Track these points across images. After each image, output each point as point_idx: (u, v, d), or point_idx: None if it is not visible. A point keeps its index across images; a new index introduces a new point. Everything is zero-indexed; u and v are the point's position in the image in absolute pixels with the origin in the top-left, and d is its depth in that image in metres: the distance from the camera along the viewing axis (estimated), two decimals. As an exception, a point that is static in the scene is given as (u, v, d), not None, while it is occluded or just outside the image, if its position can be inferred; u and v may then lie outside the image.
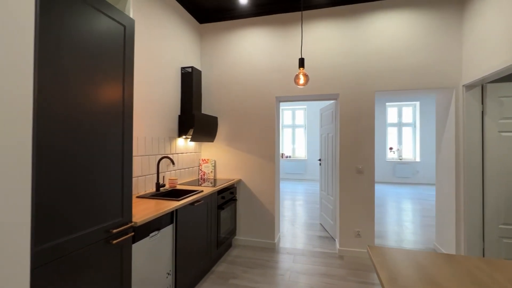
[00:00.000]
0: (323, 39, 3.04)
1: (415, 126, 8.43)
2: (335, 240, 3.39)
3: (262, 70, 3.24)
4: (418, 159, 8.28)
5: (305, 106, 9.18)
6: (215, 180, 3.15)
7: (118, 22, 1.39)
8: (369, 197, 2.89)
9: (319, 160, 4.20)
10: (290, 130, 9.50)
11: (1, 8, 0.78)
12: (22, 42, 0.83)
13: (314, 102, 9.00)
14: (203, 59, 3.47)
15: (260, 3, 3.08)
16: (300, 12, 3.09)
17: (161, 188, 2.43)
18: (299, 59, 2.13)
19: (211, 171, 3.36)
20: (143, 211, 1.70)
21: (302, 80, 2.09)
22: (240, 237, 3.29)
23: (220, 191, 2.79)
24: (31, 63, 0.86)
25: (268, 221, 3.20)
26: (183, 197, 2.09)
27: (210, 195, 2.51)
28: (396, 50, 2.83)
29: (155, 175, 2.49)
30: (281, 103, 9.31)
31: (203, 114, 2.95)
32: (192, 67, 2.98)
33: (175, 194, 2.50)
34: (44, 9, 1.01)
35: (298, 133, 9.43)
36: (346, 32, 2.97)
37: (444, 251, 2.89)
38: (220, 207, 2.75)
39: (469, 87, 2.56)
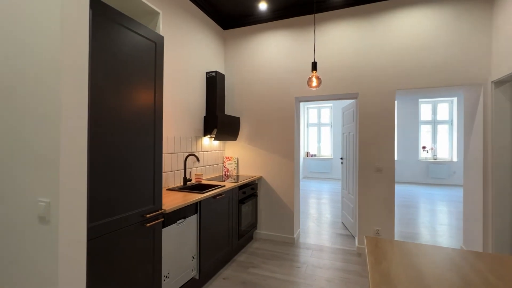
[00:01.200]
0: (340, 39, 3.08)
1: (452, 124, 7.87)
2: (354, 238, 3.41)
3: (281, 72, 3.37)
4: (455, 159, 7.73)
5: (331, 104, 9.06)
6: (237, 176, 3.37)
7: (150, 39, 1.64)
8: (389, 196, 2.88)
9: (341, 159, 4.21)
10: (315, 128, 9.44)
11: (67, 37, 1.05)
12: (81, 60, 1.09)
13: (339, 100, 8.84)
14: (226, 63, 3.70)
15: (278, 8, 3.21)
16: (318, 13, 3.16)
17: (188, 183, 2.70)
18: (312, 63, 2.24)
19: (234, 168, 3.59)
20: (171, 201, 1.95)
21: (314, 82, 2.20)
22: (261, 231, 3.47)
23: (241, 187, 3.00)
24: (86, 79, 1.13)
25: (288, 217, 3.33)
26: (206, 190, 2.32)
27: (232, 190, 2.72)
28: (417, 47, 2.77)
29: (183, 170, 2.77)
30: (306, 102, 9.28)
31: (225, 115, 3.18)
32: (216, 72, 3.22)
33: (200, 188, 2.75)
34: (94, 32, 1.28)
35: (324, 131, 9.34)
36: (364, 31, 2.97)
37: (471, 255, 2.78)
38: (241, 201, 2.95)
39: (498, 83, 2.44)
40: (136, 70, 1.54)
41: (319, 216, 4.54)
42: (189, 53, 2.93)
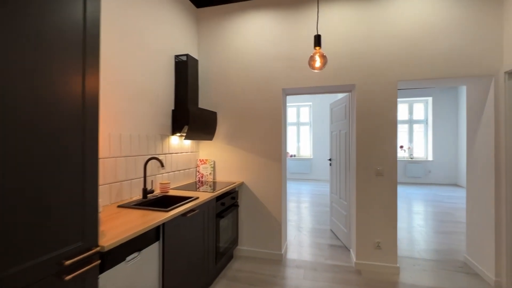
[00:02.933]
0: (337, 23, 2.65)
1: (427, 123, 7.99)
2: (349, 251, 3.01)
3: (267, 59, 2.86)
4: (430, 158, 7.84)
5: (311, 103, 8.78)
6: (214, 183, 2.79)
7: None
8: (391, 203, 2.51)
9: (329, 160, 3.82)
10: (295, 128, 9.11)
11: None
12: None
13: (320, 98, 8.60)
14: (201, 48, 3.10)
15: (265, -18, 2.70)
16: (310, -9, 2.70)
17: (149, 195, 2.08)
18: (315, 36, 1.75)
19: (210, 173, 3.00)
20: (120, 227, 1.34)
21: (318, 62, 1.72)
22: (243, 247, 2.93)
23: (220, 197, 2.43)
24: None
25: (274, 229, 2.83)
26: (174, 206, 1.73)
27: (208, 203, 2.15)
28: (422, 34, 2.43)
29: (143, 179, 2.14)
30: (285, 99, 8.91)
31: (200, 108, 2.59)
32: (187, 55, 2.62)
33: (165, 202, 2.14)
34: None
35: (303, 131, 9.04)
36: (364, 16, 2.57)
37: (480, 267, 2.50)
38: (220, 215, 2.39)
39: (513, 74, 2.16)
40: (48, 43, 0.92)
41: (305, 223, 4.12)
42: (151, 31, 2.30)
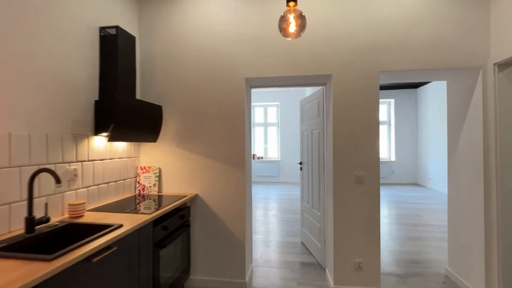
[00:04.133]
0: (311, 3, 2.21)
1: (389, 125, 8.16)
2: (325, 270, 2.59)
3: (228, 43, 2.31)
4: (393, 159, 8.01)
5: (278, 103, 8.44)
6: (159, 197, 2.15)
7: None
8: (373, 215, 2.13)
9: (300, 163, 3.40)
10: (262, 128, 8.69)
11: None
12: None
13: (288, 97, 8.30)
14: (142, 24, 2.43)
15: None
16: (278, -40, 2.23)
17: (40, 226, 1.37)
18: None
19: (154, 184, 2.35)
20: None
21: (293, 26, 1.18)
22: (197, 276, 2.33)
23: (161, 219, 1.81)
24: None
25: (237, 251, 2.28)
26: (70, 248, 1.08)
27: (139, 231, 1.52)
28: (407, 20, 2.10)
29: (45, 197, 1.43)
30: (252, 98, 8.45)
31: (136, 100, 1.93)
32: (116, 28, 1.95)
33: (64, 236, 1.45)
34: None
35: (270, 131, 8.66)
36: (340, -9, 2.17)
37: (465, 281, 2.25)
38: (160, 244, 1.76)
39: (503, 65, 1.92)
40: None
41: (273, 235, 3.64)
42: (57, -16, 1.60)
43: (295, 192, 6.81)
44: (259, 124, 8.70)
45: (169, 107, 2.39)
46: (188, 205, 2.31)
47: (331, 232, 2.27)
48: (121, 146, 2.18)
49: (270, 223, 4.19)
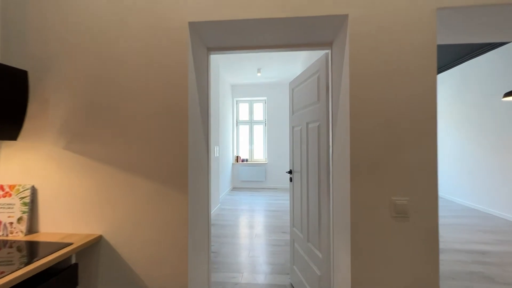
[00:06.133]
0: None
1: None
2: None
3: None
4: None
5: (265, 98, 7.43)
6: (30, 244, 1.08)
7: None
8: (427, 276, 1.14)
9: (290, 172, 2.38)
10: (247, 127, 7.65)
11: None
12: None
13: (277, 90, 7.29)
14: None
15: None
16: None
17: None
18: None
19: (20, 218, 1.26)
20: None
21: None
22: None
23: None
24: None
25: None
26: None
27: None
28: None
29: None
30: (235, 92, 7.41)
31: None
32: None
33: None
34: None
35: (256, 130, 7.63)
36: None
37: None
38: None
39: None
40: None
41: (255, 271, 2.60)
42: None
43: (285, 201, 5.81)
44: (244, 122, 7.66)
45: (53, 77, 1.31)
46: (76, 264, 1.24)
47: (344, 304, 1.25)
48: None
49: (252, 249, 3.15)
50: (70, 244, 1.14)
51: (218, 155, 5.04)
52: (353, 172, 1.18)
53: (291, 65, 5.41)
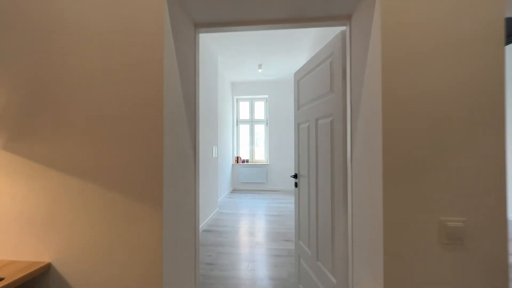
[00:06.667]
0: None
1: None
2: None
3: None
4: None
5: (267, 96, 7.11)
6: None
7: None
8: (489, 329, 0.82)
9: (295, 176, 2.06)
10: (248, 126, 7.34)
11: None
12: None
13: (279, 88, 6.98)
14: None
15: None
16: None
17: None
18: None
19: None
20: None
21: None
22: None
23: None
24: None
25: None
26: None
27: None
28: None
29: None
30: (235, 90, 7.10)
31: None
32: None
33: None
34: None
35: (258, 130, 7.32)
36: None
37: None
38: None
39: None
40: None
41: (254, 282, 2.29)
42: None
43: (287, 204, 5.49)
44: (245, 122, 7.35)
45: (-10, 56, 1.01)
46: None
47: None
48: None
49: (252, 260, 2.84)
50: (16, 273, 0.84)
51: (217, 156, 4.73)
52: (386, 182, 0.86)
53: (295, 59, 5.08)
